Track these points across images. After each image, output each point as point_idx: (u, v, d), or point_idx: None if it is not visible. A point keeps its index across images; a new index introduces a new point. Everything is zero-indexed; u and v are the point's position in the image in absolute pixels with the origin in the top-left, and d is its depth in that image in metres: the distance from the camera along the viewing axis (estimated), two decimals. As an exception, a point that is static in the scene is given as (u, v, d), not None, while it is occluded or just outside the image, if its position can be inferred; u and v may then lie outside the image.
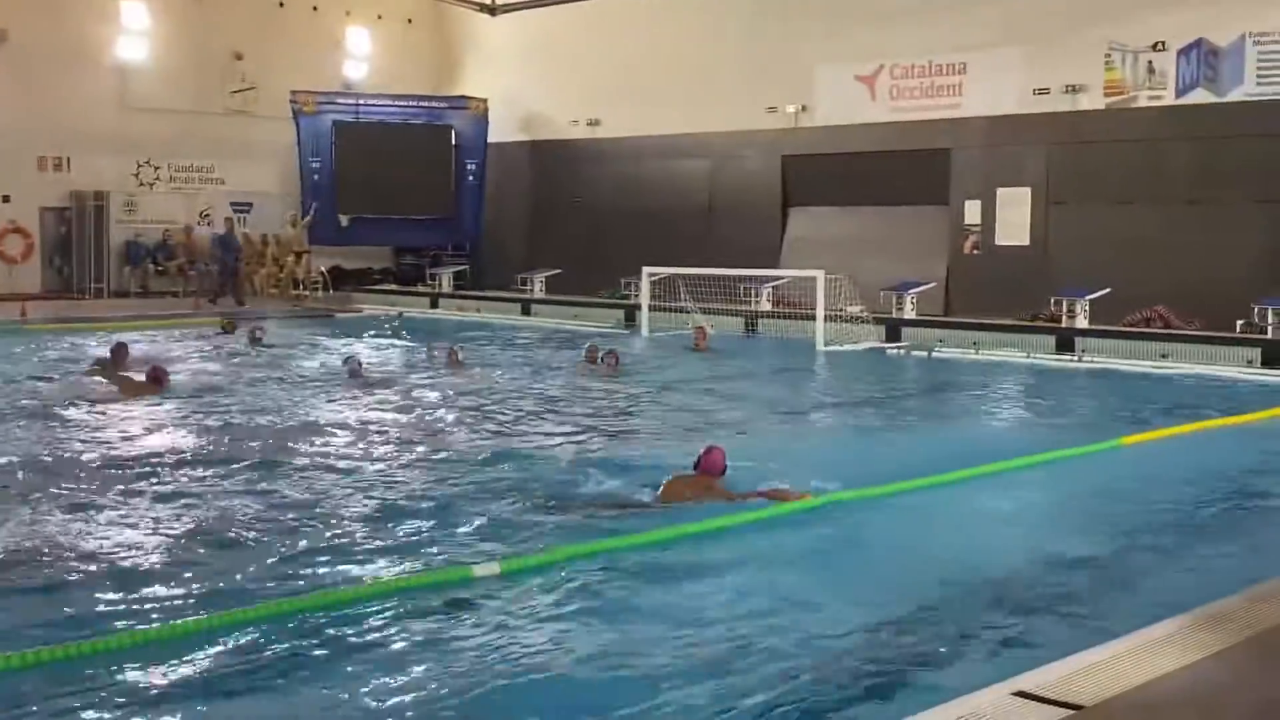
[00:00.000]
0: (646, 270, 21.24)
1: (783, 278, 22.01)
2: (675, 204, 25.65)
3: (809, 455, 9.83)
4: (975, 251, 21.79)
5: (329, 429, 10.89)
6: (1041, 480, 9.03)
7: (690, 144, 25.63)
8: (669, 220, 25.37)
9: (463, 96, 28.98)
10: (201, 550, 6.78)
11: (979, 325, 19.36)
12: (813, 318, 18.98)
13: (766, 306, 21.97)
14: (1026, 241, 21.17)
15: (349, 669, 5.06)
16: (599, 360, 15.17)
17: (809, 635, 5.52)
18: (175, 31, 27.01)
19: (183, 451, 9.59)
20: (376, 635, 5.45)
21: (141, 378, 12.82)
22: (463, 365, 15.57)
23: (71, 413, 11.44)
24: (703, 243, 24.52)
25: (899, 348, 18.77)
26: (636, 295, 22.49)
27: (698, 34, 25.41)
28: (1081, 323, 18.75)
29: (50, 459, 9.21)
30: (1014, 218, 21.29)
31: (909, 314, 20.49)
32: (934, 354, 18.10)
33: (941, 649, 5.38)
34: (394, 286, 28.91)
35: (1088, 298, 18.89)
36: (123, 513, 7.60)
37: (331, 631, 5.46)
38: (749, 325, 21.27)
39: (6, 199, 25.35)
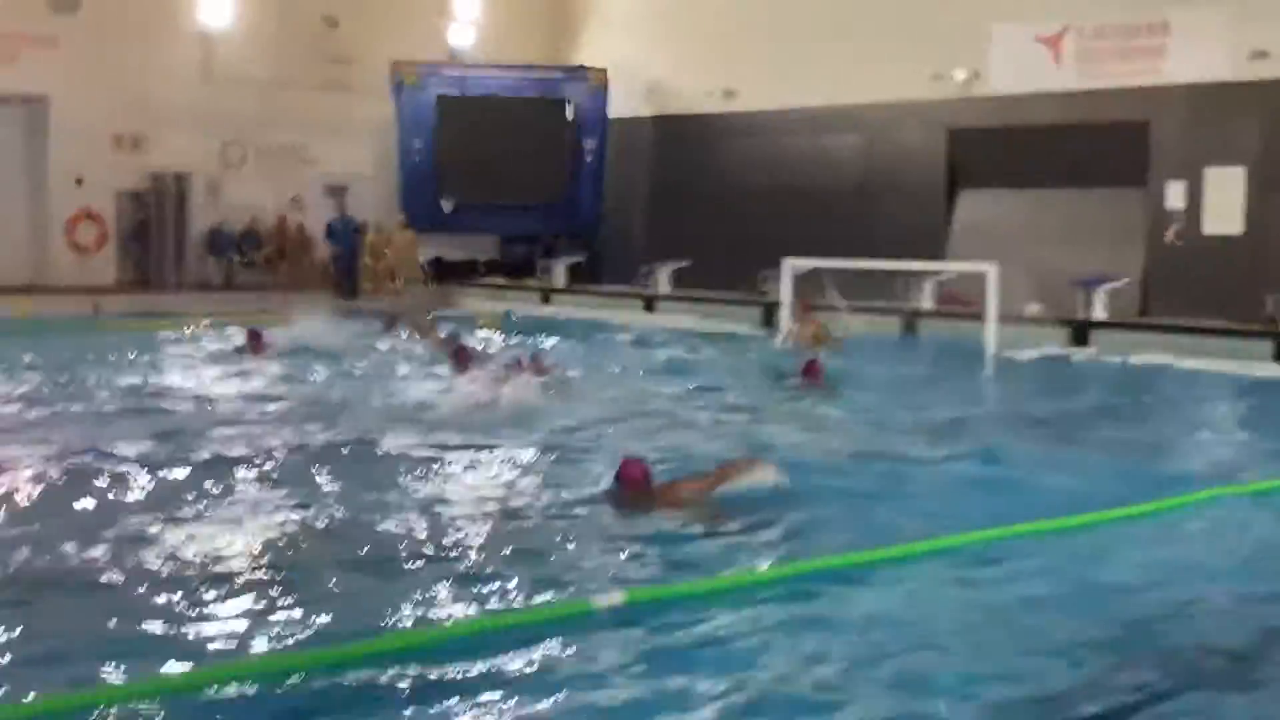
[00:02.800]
0: (788, 262, 21.11)
1: (948, 271, 21.68)
2: (822, 186, 25.42)
3: (962, 482, 9.65)
4: (1178, 241, 21.27)
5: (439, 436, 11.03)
6: (1247, 515, 8.65)
7: (841, 117, 25.39)
8: (815, 205, 25.15)
9: (580, 66, 29.14)
10: (299, 579, 6.81)
11: (1182, 328, 18.93)
12: (983, 318, 18.68)
13: (928, 304, 21.71)
14: (1239, 230, 20.61)
15: (454, 711, 5.05)
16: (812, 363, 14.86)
17: (945, 684, 5.43)
18: (265, -4, 27.69)
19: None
20: (483, 674, 5.41)
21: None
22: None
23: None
24: (854, 231, 24.20)
25: (1086, 354, 18.42)
26: (776, 291, 22.33)
27: (851, -11, 25.25)
28: (1307, 326, 18.24)
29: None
30: (1224, 202, 20.73)
31: (1098, 314, 20.10)
32: (1127, 362, 17.70)
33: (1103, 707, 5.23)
34: (501, 280, 29.18)
35: (1314, 296, 18.38)
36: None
37: (432, 670, 5.41)
38: (907, 326, 21.05)
39: (80, 182, 26.15)
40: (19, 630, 5.86)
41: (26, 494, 8.56)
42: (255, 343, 16.75)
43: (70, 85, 25.45)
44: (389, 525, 7.95)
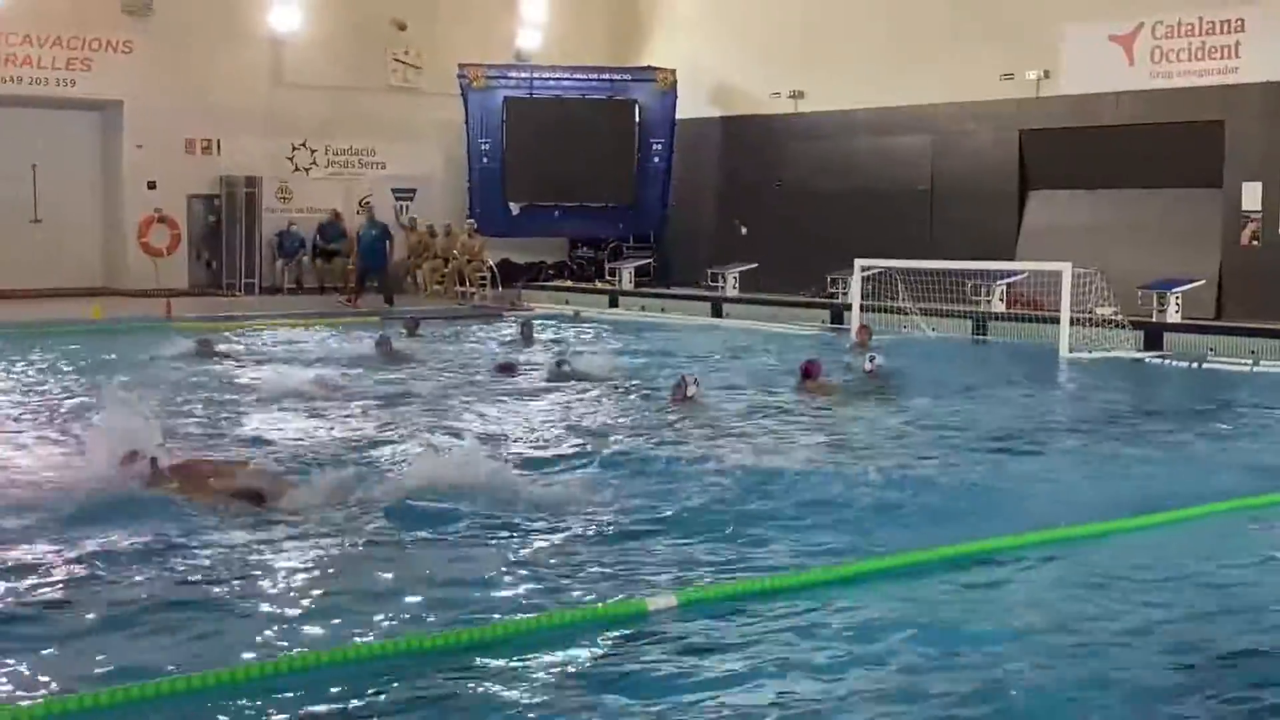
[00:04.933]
0: (859, 264, 21.06)
1: (1020, 272, 21.56)
2: (892, 187, 25.34)
3: (1028, 483, 9.65)
4: (1255, 243, 20.98)
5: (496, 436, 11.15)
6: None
7: (910, 118, 25.28)
8: (884, 206, 25.08)
9: (648, 67, 29.20)
10: (344, 577, 6.95)
11: (1260, 331, 18.64)
12: (1055, 320, 18.59)
13: (999, 307, 21.58)
14: (1319, 232, 20.31)
15: (502, 715, 5.10)
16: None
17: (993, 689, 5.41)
18: (334, 0, 27.97)
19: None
20: (535, 677, 5.47)
21: None
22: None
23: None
24: (924, 232, 24.20)
25: (1160, 357, 18.23)
26: (844, 293, 22.28)
27: (920, -11, 25.14)
28: (1391, 330, 17.93)
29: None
30: (1303, 203, 20.44)
31: (1173, 317, 19.90)
32: (1203, 366, 17.51)
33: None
34: (569, 283, 29.32)
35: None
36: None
37: (483, 673, 5.49)
38: (978, 328, 20.92)
39: (153, 185, 26.61)
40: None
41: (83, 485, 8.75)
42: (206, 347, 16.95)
43: (143, 90, 25.92)
44: (442, 524, 8.01)
